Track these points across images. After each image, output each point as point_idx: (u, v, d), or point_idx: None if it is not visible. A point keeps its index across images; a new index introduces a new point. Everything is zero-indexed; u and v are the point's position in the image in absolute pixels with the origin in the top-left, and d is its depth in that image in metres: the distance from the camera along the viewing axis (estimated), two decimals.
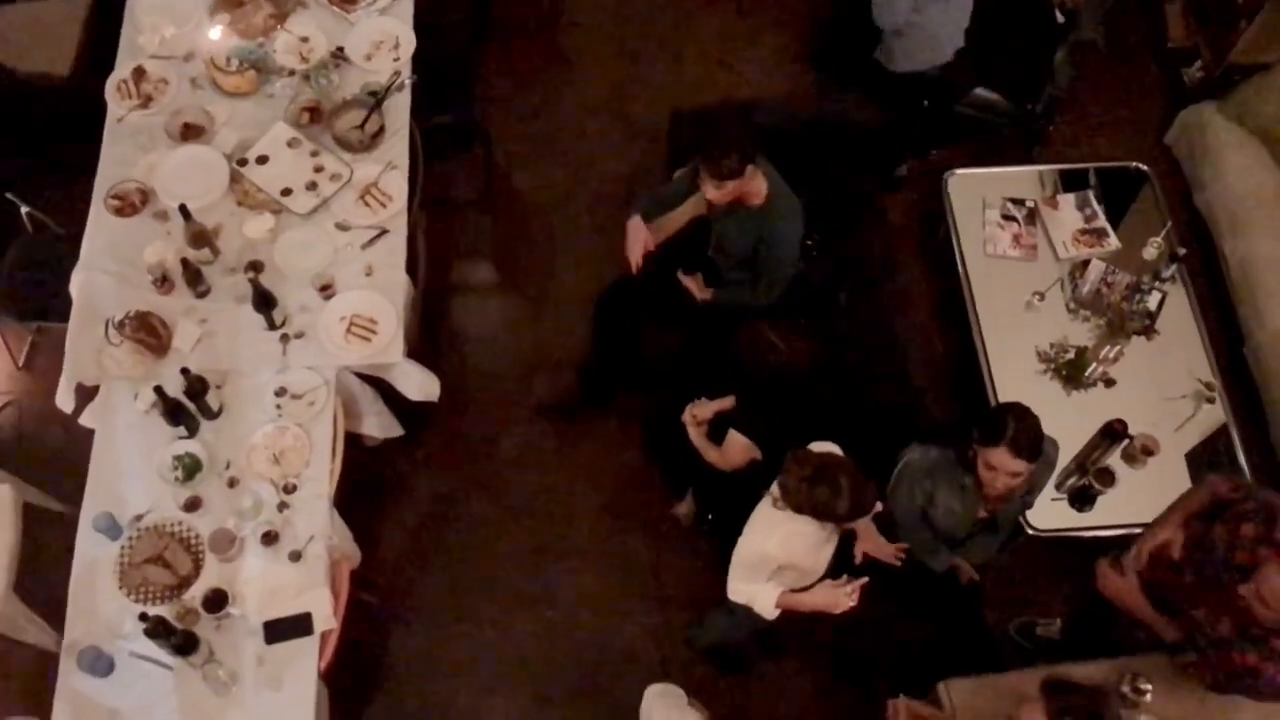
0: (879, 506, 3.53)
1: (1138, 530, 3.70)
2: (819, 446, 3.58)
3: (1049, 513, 4.22)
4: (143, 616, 3.57)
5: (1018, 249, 4.79)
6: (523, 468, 4.97)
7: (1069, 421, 4.26)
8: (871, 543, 3.81)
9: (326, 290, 4.27)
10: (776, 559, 3.54)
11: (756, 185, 3.97)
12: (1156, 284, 4.58)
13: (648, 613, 4.69)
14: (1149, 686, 3.56)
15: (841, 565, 3.72)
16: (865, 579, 3.52)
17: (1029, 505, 4.04)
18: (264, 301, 4.11)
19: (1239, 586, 3.23)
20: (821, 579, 3.66)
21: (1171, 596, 3.52)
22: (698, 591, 4.68)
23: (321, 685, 3.76)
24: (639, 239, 4.37)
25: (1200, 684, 3.49)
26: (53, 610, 3.98)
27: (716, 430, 4.09)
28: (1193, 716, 3.62)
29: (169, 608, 3.74)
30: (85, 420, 4.20)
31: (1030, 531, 4.20)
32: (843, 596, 3.48)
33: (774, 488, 3.54)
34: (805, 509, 3.43)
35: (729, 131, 4.01)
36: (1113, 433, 4.20)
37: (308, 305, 4.26)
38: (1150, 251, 4.67)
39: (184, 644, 3.60)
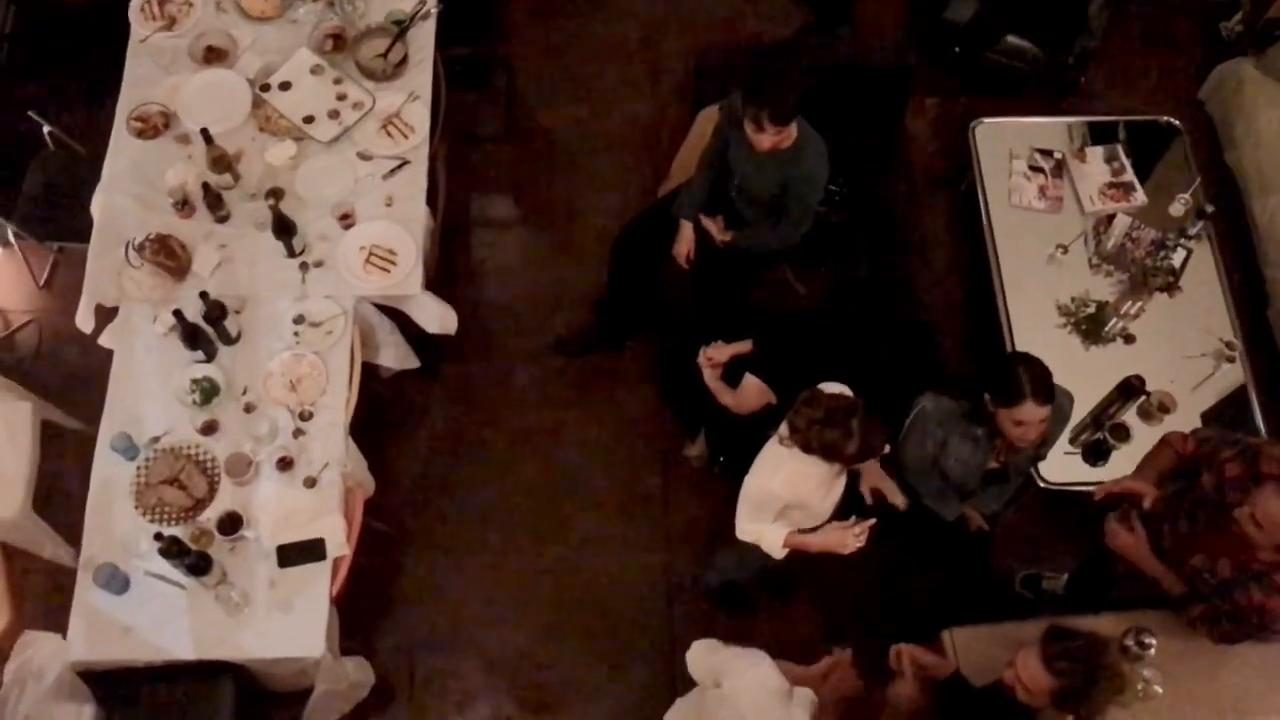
0: (887, 449, 3.52)
1: None
2: (830, 388, 3.57)
3: (1061, 466, 4.21)
4: (158, 536, 3.62)
5: (1043, 201, 4.74)
6: (537, 404, 4.99)
7: (1086, 376, 4.24)
8: (876, 477, 3.80)
9: (346, 220, 4.26)
10: (782, 498, 3.55)
11: (791, 128, 3.91)
12: (1182, 241, 4.53)
13: (656, 552, 4.73)
14: (1153, 640, 3.57)
15: (851, 508, 3.72)
16: (873, 520, 3.52)
17: (1041, 458, 4.03)
18: (284, 229, 4.11)
19: (1234, 510, 3.24)
20: (830, 520, 3.67)
21: (1170, 549, 3.52)
22: (707, 532, 4.71)
23: (333, 610, 3.81)
24: (686, 242, 4.38)
25: (1209, 637, 3.50)
26: (70, 527, 4.05)
27: (732, 373, 4.08)
28: (1196, 670, 3.64)
29: (184, 529, 3.79)
30: (104, 341, 4.22)
31: (1041, 484, 4.20)
32: (850, 537, 3.48)
33: (782, 426, 3.54)
34: (814, 449, 3.43)
35: (782, 71, 3.87)
36: (1130, 389, 4.18)
37: (327, 234, 4.26)
38: (1177, 208, 4.62)
39: (198, 565, 3.65)
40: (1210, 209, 4.55)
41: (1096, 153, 4.82)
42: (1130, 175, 4.76)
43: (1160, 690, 3.57)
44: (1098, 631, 3.13)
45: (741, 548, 3.87)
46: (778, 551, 3.62)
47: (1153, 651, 3.58)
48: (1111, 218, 4.64)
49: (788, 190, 4.05)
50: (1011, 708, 3.10)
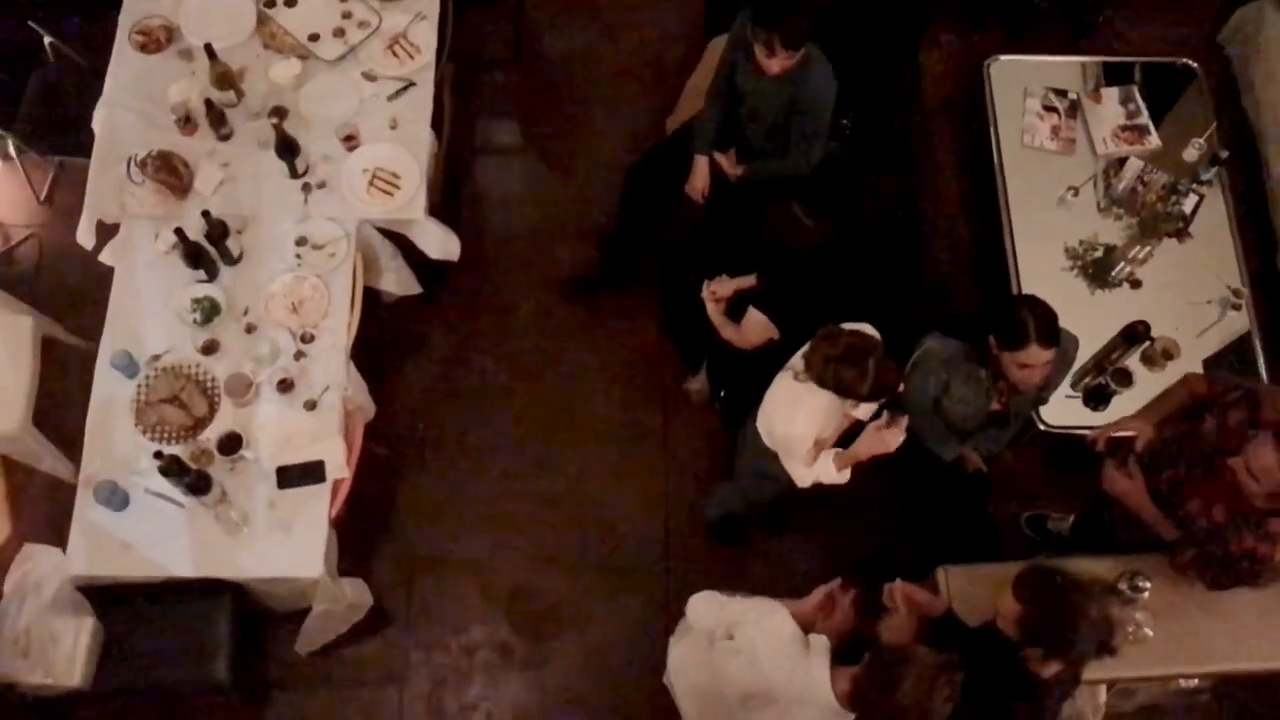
0: (901, 388, 3.52)
1: None
2: (850, 326, 3.55)
3: (1063, 410, 4.21)
4: (158, 455, 3.63)
5: (1055, 141, 4.69)
6: (538, 333, 4.98)
7: (1091, 320, 4.22)
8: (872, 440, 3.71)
9: (350, 141, 4.22)
10: (808, 437, 3.56)
11: (801, 51, 3.86)
12: (1194, 186, 4.48)
13: (654, 483, 4.74)
14: (1147, 584, 3.60)
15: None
16: (904, 415, 3.51)
17: (1043, 401, 4.03)
18: (287, 148, 4.06)
19: (1229, 460, 3.25)
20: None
21: (1166, 494, 3.53)
22: (705, 466, 4.73)
23: (331, 532, 3.84)
24: (702, 177, 4.34)
25: (1200, 582, 3.53)
26: (70, 443, 4.06)
27: (735, 308, 4.06)
28: (1189, 615, 3.68)
29: (184, 448, 3.80)
30: (105, 258, 4.20)
31: (1042, 427, 4.20)
32: (890, 435, 3.48)
33: (795, 361, 3.54)
34: (828, 385, 3.43)
35: None
36: (1134, 334, 4.17)
37: (330, 155, 4.22)
38: (1191, 152, 4.57)
39: (197, 484, 3.67)
40: (1224, 154, 4.50)
41: (1112, 94, 4.76)
42: (1145, 118, 4.70)
43: (1151, 633, 3.61)
44: (1094, 576, 3.14)
45: (745, 485, 3.88)
46: (842, 478, 3.62)
47: (1146, 595, 3.61)
48: (1123, 161, 4.59)
49: (796, 110, 4.01)
50: (1002, 648, 3.12)
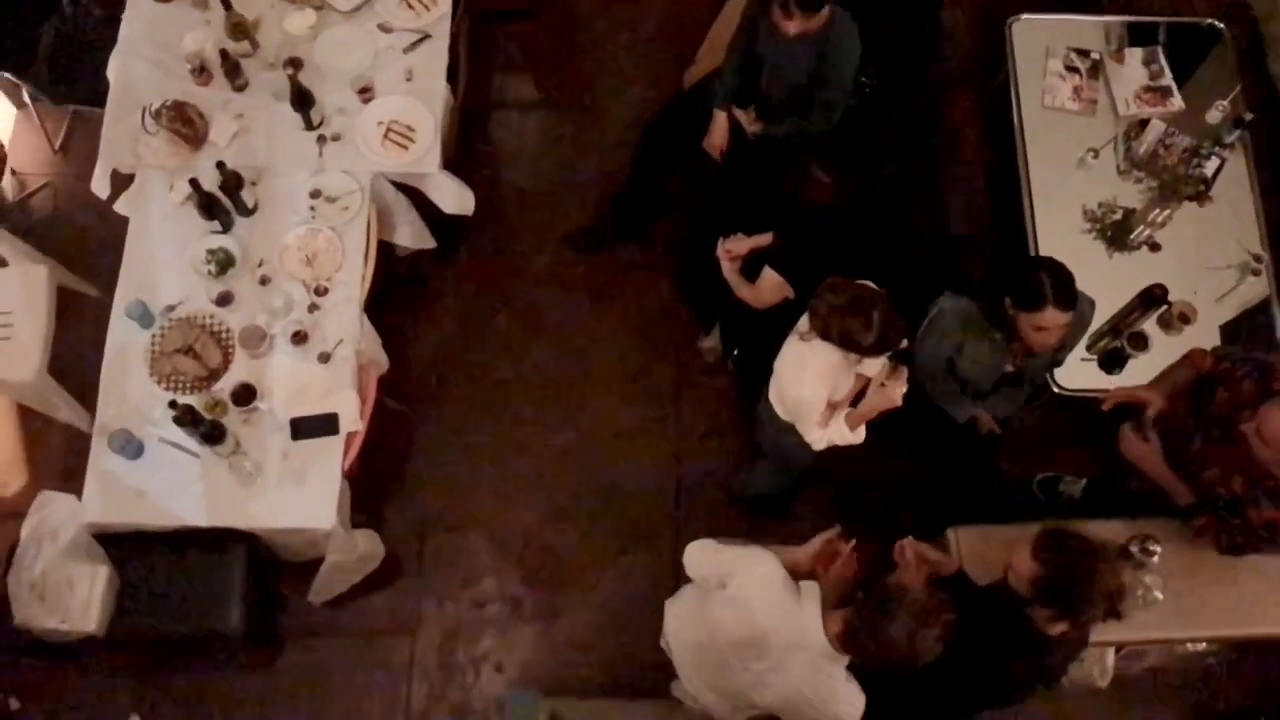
0: (904, 343, 3.48)
1: None
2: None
3: (1078, 372, 4.19)
4: (172, 404, 3.65)
5: (1077, 102, 4.63)
6: (552, 289, 4.97)
7: (1108, 283, 4.19)
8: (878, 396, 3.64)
9: (365, 93, 4.20)
10: (819, 399, 3.54)
11: (822, 13, 3.81)
12: (1217, 149, 4.43)
13: (665, 441, 4.75)
14: (1158, 548, 3.60)
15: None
16: (904, 367, 3.47)
17: (1058, 363, 4.01)
18: (302, 100, 4.05)
19: (1242, 425, 3.25)
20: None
21: (1185, 462, 3.53)
22: (716, 425, 4.73)
23: (344, 484, 3.86)
24: (720, 133, 4.29)
25: (1214, 547, 3.53)
26: (85, 392, 4.09)
27: (750, 267, 4.04)
28: (1200, 580, 3.68)
29: (198, 398, 3.81)
30: (120, 207, 4.20)
31: (1056, 390, 4.18)
32: (893, 389, 3.43)
33: (801, 321, 3.52)
34: (832, 336, 3.40)
35: None
36: (1152, 298, 4.14)
37: (345, 108, 4.21)
38: (1214, 115, 4.50)
39: (211, 434, 3.69)
40: (1249, 117, 4.44)
41: (1135, 54, 4.69)
42: (1168, 79, 4.64)
43: (1160, 597, 3.61)
44: (1105, 539, 3.13)
45: (777, 460, 3.84)
46: (856, 437, 3.60)
47: (1156, 559, 3.61)
48: (1145, 123, 4.53)
49: (819, 73, 3.97)
50: (1010, 608, 3.12)
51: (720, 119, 4.29)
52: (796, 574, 3.14)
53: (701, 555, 3.31)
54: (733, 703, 3.35)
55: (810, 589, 3.06)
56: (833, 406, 3.60)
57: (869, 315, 3.33)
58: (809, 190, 3.83)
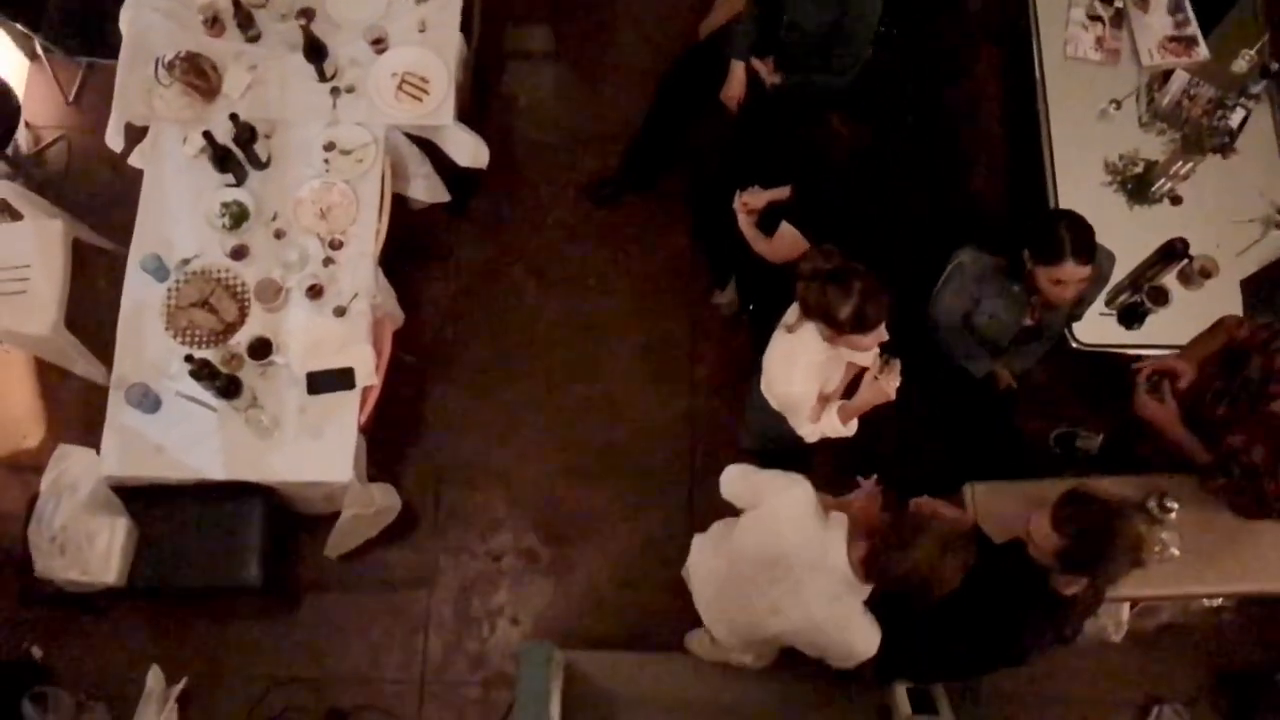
0: (884, 335, 3.33)
1: None
2: None
3: (1096, 327, 4.15)
4: (189, 358, 3.66)
5: (1099, 53, 4.55)
6: (567, 242, 4.95)
7: (1129, 237, 4.13)
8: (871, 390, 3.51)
9: (379, 44, 4.16)
10: (809, 395, 3.48)
11: None
12: (1242, 100, 4.34)
13: (680, 395, 4.75)
14: (1175, 505, 3.60)
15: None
16: (897, 360, 3.44)
17: (1077, 318, 3.98)
18: (315, 51, 4.01)
19: (1273, 403, 3.22)
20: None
21: (1208, 425, 3.50)
22: (731, 379, 4.72)
23: (361, 437, 3.87)
24: (738, 84, 4.23)
25: (1229, 508, 3.52)
26: (102, 346, 4.09)
27: (767, 220, 4.01)
28: (1215, 536, 3.67)
29: (214, 352, 3.82)
30: (134, 160, 4.19)
31: (1075, 345, 4.15)
32: (886, 383, 3.37)
33: (788, 314, 3.45)
34: (813, 310, 3.28)
35: None
36: (1173, 251, 4.08)
37: (359, 59, 4.17)
38: (1240, 65, 4.42)
39: (228, 388, 3.70)
40: (1276, 67, 4.36)
41: (1160, 3, 4.59)
42: (1194, 28, 4.54)
43: (1177, 553, 3.61)
44: (1123, 495, 3.12)
45: (768, 441, 3.82)
46: (848, 431, 3.54)
47: (1174, 516, 3.60)
48: (1169, 73, 4.46)
49: (841, 24, 3.91)
50: (1026, 565, 3.12)
51: (738, 70, 4.23)
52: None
53: (738, 476, 3.34)
54: (744, 636, 3.39)
55: (838, 517, 3.09)
56: (824, 399, 3.55)
57: (849, 285, 3.20)
58: (828, 143, 3.78)
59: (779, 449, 4.03)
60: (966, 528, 3.49)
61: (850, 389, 3.56)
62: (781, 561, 3.07)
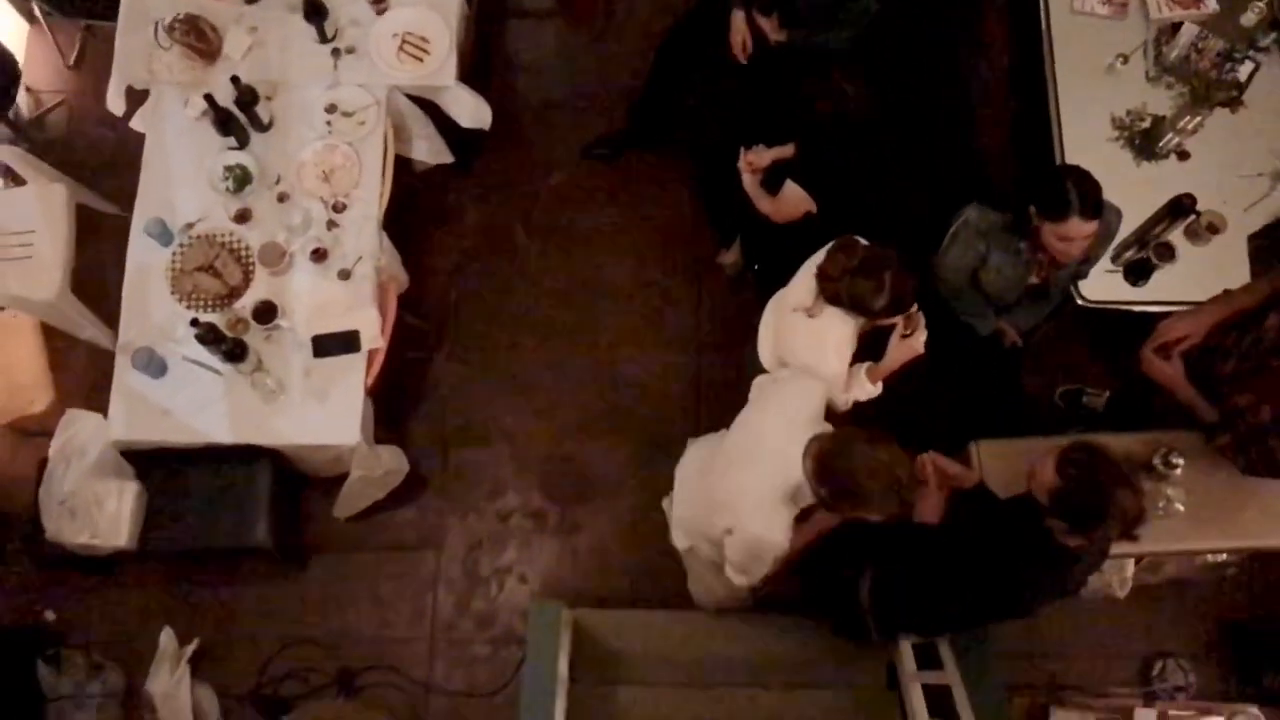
0: (915, 310, 3.38)
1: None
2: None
3: (1102, 284, 4.12)
4: (194, 322, 3.67)
5: (1106, 6, 4.50)
6: (572, 203, 4.94)
7: (1135, 192, 4.10)
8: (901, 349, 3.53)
9: (379, 4, 4.14)
10: (845, 369, 3.46)
11: None
12: (1251, 53, 4.31)
13: (686, 355, 4.75)
14: (1180, 461, 3.60)
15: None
16: (920, 314, 3.42)
17: (1083, 275, 3.97)
18: (315, 11, 3.99)
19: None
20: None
21: (1215, 382, 3.50)
22: (737, 338, 4.71)
23: (367, 400, 3.88)
24: (739, 32, 4.19)
25: (1234, 465, 3.52)
26: (108, 311, 4.10)
27: (772, 179, 3.99)
28: (1220, 492, 3.68)
29: (219, 316, 3.83)
30: (136, 124, 4.17)
31: (1080, 302, 4.14)
32: (915, 341, 3.40)
33: (795, 297, 3.45)
34: (842, 300, 3.31)
35: None
36: (1180, 207, 4.06)
37: (359, 19, 4.14)
38: (1250, 17, 4.37)
39: (234, 351, 3.70)
40: None
41: None
42: None
43: (1181, 509, 3.62)
44: (1126, 450, 3.12)
45: None
46: (877, 390, 3.53)
47: (1179, 472, 3.61)
48: (1177, 26, 4.41)
49: None
50: (1031, 522, 3.13)
51: (738, 19, 4.19)
52: None
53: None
54: (694, 529, 3.50)
55: (825, 426, 3.18)
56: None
57: (881, 277, 3.24)
58: (832, 100, 3.75)
59: None
60: (972, 484, 3.52)
61: (870, 348, 3.56)
62: (757, 445, 3.18)
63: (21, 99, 4.77)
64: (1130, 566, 4.12)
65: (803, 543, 3.28)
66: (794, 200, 3.89)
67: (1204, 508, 3.66)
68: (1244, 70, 4.29)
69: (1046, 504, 3.03)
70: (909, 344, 3.39)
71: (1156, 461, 3.60)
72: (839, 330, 3.41)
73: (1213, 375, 3.51)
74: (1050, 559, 3.14)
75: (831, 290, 3.33)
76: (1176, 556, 4.19)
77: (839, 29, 4.06)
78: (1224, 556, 4.33)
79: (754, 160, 4.00)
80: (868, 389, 3.51)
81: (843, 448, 3.00)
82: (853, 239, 3.38)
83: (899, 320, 3.39)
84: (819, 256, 3.42)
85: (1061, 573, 3.20)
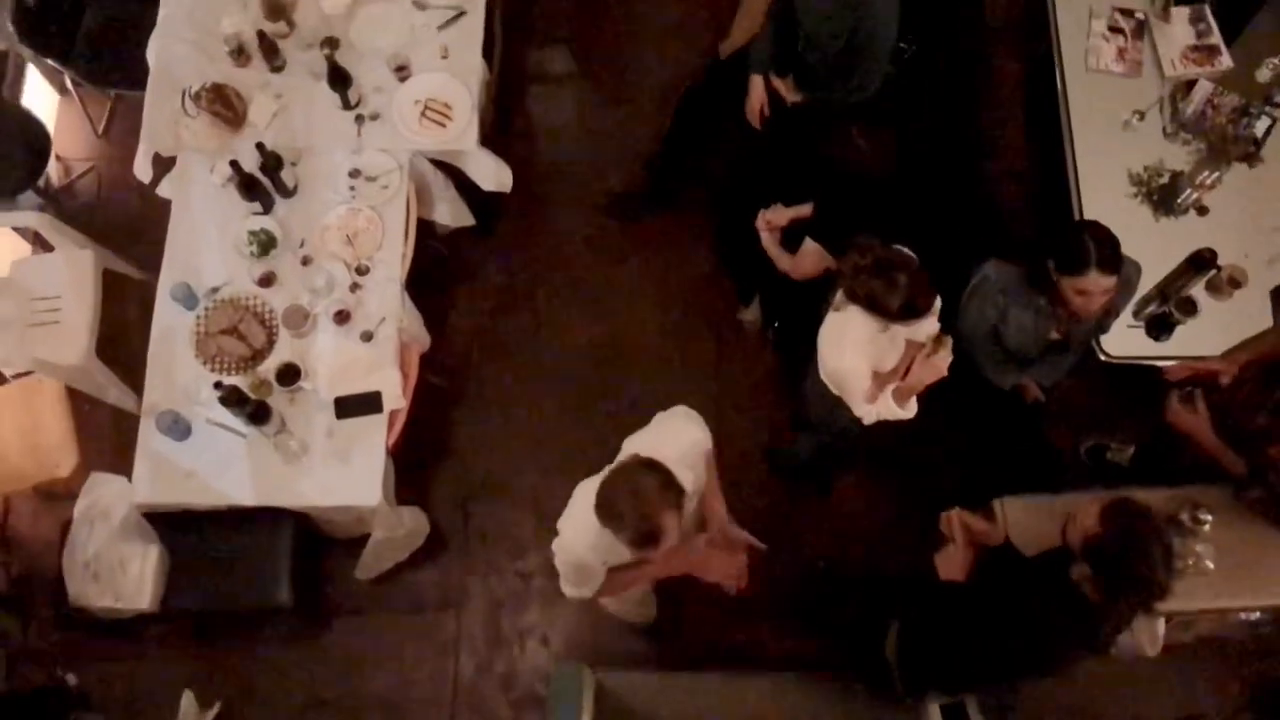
0: (937, 307, 3.41)
1: None
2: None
3: (1124, 339, 4.11)
4: (218, 385, 3.69)
5: (1121, 64, 4.53)
6: (591, 263, 4.97)
7: (1155, 248, 4.10)
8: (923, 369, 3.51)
9: (402, 71, 4.20)
10: (861, 371, 3.48)
11: None
12: (1267, 109, 4.32)
13: (706, 413, 4.66)
14: (1208, 516, 3.56)
15: None
16: (948, 336, 3.38)
17: (1104, 329, 3.96)
18: (339, 79, 4.06)
19: None
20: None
21: (1246, 436, 3.47)
22: (758, 398, 4.71)
23: (389, 460, 3.89)
24: (757, 97, 4.24)
25: (1265, 519, 3.48)
26: (133, 374, 4.14)
27: (791, 237, 4.01)
28: (1251, 549, 3.63)
29: (243, 378, 3.85)
30: (163, 190, 4.24)
31: (1103, 357, 4.12)
32: (939, 361, 3.37)
33: (836, 297, 3.48)
34: (859, 298, 3.34)
35: None
36: (1200, 261, 4.05)
37: (382, 86, 4.21)
38: (1264, 73, 4.39)
39: (257, 413, 3.72)
40: None
41: (1181, 13, 4.57)
42: (1216, 37, 4.52)
43: (1211, 566, 3.58)
44: (1153, 506, 3.10)
45: (826, 433, 3.80)
46: (907, 412, 3.52)
47: (1207, 528, 3.57)
48: (1192, 83, 4.44)
49: (857, 37, 3.92)
50: (1058, 579, 3.10)
51: (756, 83, 4.24)
52: None
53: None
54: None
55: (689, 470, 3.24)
56: (881, 381, 3.54)
57: (893, 277, 3.26)
58: (849, 158, 3.78)
59: (832, 441, 4.04)
60: (998, 541, 3.49)
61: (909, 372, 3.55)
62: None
63: (52, 167, 4.86)
64: (1161, 625, 4.05)
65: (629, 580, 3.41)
66: (812, 258, 3.90)
67: (1235, 564, 3.62)
68: (1260, 125, 4.31)
69: (1079, 549, 3.01)
70: (932, 363, 3.37)
71: (1184, 517, 3.57)
72: (859, 329, 3.43)
73: (1242, 429, 3.48)
74: (1078, 615, 3.10)
75: (847, 287, 3.37)
76: (1207, 615, 4.13)
77: (853, 89, 4.09)
78: (1257, 615, 4.26)
79: (772, 219, 4.03)
80: (894, 409, 3.50)
81: (623, 465, 3.09)
82: (869, 239, 3.39)
83: (927, 343, 3.38)
84: None
85: (1088, 629, 3.16)
